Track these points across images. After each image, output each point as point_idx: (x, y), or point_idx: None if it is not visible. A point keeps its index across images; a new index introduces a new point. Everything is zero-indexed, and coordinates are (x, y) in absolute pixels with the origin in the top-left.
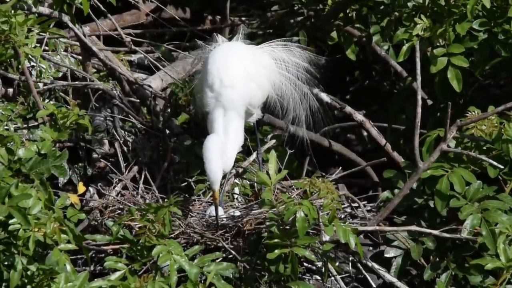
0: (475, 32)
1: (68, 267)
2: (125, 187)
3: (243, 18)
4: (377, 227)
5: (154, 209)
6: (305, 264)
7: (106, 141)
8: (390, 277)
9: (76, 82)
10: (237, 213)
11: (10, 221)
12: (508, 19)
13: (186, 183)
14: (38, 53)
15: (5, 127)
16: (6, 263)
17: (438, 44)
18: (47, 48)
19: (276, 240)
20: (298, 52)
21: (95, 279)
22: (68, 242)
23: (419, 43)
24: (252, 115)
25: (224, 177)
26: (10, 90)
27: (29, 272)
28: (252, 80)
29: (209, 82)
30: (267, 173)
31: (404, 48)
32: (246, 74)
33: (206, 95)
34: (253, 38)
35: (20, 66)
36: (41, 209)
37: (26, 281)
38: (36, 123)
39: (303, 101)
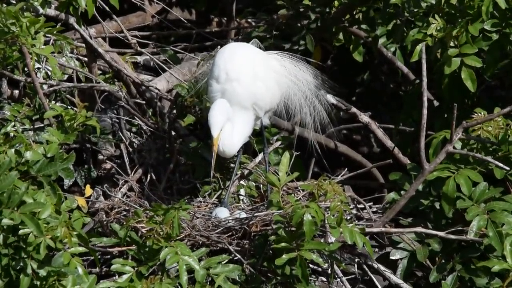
0: (487, 32)
1: (80, 269)
2: (130, 189)
3: (249, 20)
4: (383, 229)
5: (162, 212)
6: (310, 265)
7: (112, 143)
8: (396, 279)
9: (82, 84)
10: (243, 215)
11: (20, 226)
12: None
13: (192, 184)
14: (48, 52)
15: (13, 128)
16: (16, 267)
17: (451, 45)
18: (53, 50)
19: (283, 244)
20: (303, 66)
21: (102, 281)
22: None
23: (427, 44)
24: (259, 118)
25: (229, 178)
26: (16, 92)
27: (40, 275)
28: (260, 79)
29: (215, 74)
30: (276, 174)
31: (418, 48)
32: (253, 72)
33: (211, 88)
34: (260, 41)
35: (26, 68)
36: (50, 213)
37: (38, 283)
38: (41, 125)
39: (310, 105)
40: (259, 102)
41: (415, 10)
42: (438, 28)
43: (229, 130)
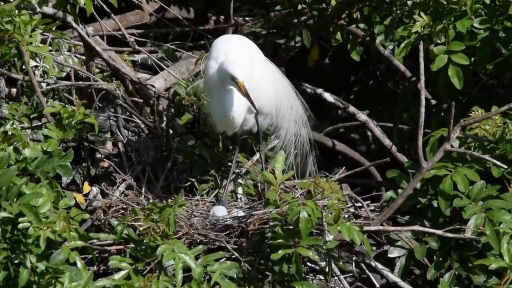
0: (476, 30)
1: (79, 263)
2: (128, 187)
3: (246, 18)
4: (381, 227)
5: (159, 209)
6: (308, 263)
7: (109, 141)
8: (393, 277)
9: (80, 82)
10: (241, 213)
11: (20, 219)
12: (509, 17)
13: (189, 183)
14: (45, 51)
15: (12, 126)
16: (15, 261)
17: (438, 41)
18: (50, 48)
19: (279, 241)
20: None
21: (99, 279)
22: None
23: (422, 41)
24: (253, 113)
25: (226, 177)
26: (14, 90)
27: (38, 270)
28: (256, 68)
29: (214, 55)
30: (273, 172)
31: (402, 45)
32: (250, 58)
33: (209, 69)
34: (257, 38)
35: (24, 66)
36: (50, 208)
37: (33, 279)
38: (39, 123)
39: (296, 118)
40: (254, 90)
41: (403, 8)
42: (424, 25)
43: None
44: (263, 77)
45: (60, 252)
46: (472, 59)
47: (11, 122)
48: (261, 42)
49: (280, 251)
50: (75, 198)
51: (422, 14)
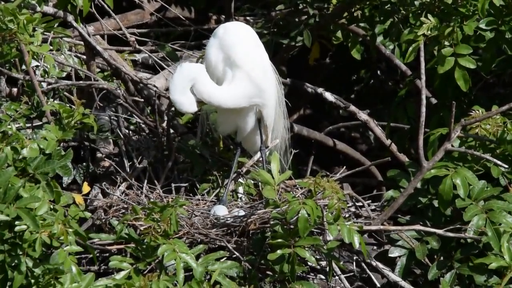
0: (481, 31)
1: (74, 268)
2: (129, 187)
3: (247, 18)
4: (381, 227)
5: (160, 209)
6: (309, 263)
7: (110, 141)
8: (394, 277)
9: (81, 82)
10: (242, 212)
11: (17, 222)
12: None
13: (190, 182)
14: (45, 50)
15: (8, 127)
16: (12, 264)
17: (445, 44)
18: (51, 47)
19: (279, 240)
20: None
21: (100, 279)
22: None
23: (427, 42)
24: (254, 107)
25: (227, 176)
26: (15, 90)
27: (35, 273)
28: (260, 51)
29: (214, 32)
30: (270, 172)
31: (410, 49)
32: (255, 42)
33: (208, 44)
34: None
35: (25, 66)
36: (47, 210)
37: (32, 281)
38: (40, 123)
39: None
40: (259, 71)
41: (409, 9)
42: (431, 27)
43: (204, 79)
44: (266, 64)
45: (59, 253)
46: (477, 57)
47: (7, 123)
48: (262, 41)
49: (278, 251)
50: (74, 198)
51: (429, 16)
